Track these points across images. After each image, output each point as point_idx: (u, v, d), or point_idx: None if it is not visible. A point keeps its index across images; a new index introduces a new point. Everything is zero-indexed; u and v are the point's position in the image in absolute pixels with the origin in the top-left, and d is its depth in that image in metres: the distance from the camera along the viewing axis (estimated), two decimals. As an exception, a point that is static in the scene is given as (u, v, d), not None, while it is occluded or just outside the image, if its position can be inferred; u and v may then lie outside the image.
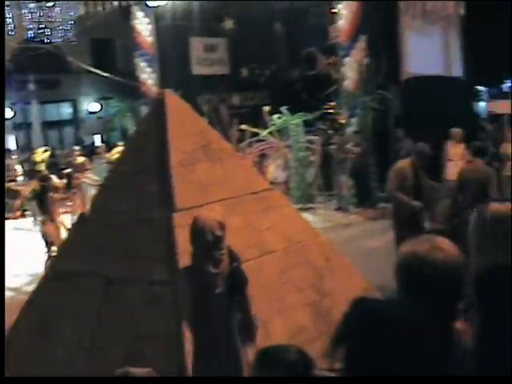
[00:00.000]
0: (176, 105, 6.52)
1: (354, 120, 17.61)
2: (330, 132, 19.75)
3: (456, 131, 15.20)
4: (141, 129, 6.65)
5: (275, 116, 16.95)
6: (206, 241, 4.61)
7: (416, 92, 18.64)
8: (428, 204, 9.01)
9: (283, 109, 16.94)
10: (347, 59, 17.71)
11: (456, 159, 14.48)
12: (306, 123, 17.90)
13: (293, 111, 17.07)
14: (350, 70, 17.67)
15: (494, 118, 20.89)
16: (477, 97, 34.27)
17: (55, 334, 5.76)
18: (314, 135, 18.50)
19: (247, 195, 6.43)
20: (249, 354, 4.53)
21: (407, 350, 1.78)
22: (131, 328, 5.47)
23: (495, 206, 3.18)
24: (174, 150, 6.15)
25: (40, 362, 5.71)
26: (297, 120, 16.87)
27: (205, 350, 4.66)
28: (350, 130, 17.55)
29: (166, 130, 6.24)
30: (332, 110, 21.04)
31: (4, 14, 16.14)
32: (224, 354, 4.65)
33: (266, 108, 17.69)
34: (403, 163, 9.08)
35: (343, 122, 18.67)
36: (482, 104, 32.78)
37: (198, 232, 4.66)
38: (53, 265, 6.59)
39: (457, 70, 21.85)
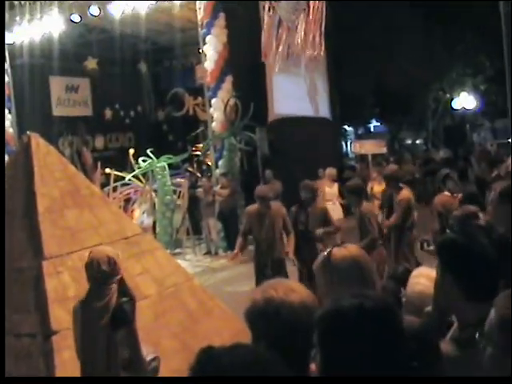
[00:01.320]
0: (42, 149, 6.54)
1: (221, 162, 18.00)
2: (197, 174, 20.06)
3: (330, 171, 15.92)
4: (5, 173, 6.62)
5: (140, 159, 16.99)
6: (93, 275, 5.05)
7: (283, 133, 19.34)
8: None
9: (149, 151, 17.03)
10: (214, 100, 18.09)
11: (334, 199, 15.35)
12: (173, 166, 18.17)
13: (159, 153, 17.25)
14: (216, 111, 18.05)
15: (362, 157, 21.90)
16: (344, 137, 35.84)
17: None
18: (181, 178, 18.74)
19: (119, 240, 6.57)
20: None
21: None
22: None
23: (336, 250, 3.19)
24: (41, 196, 6.16)
25: None
26: (162, 163, 17.06)
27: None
28: (217, 171, 17.95)
29: (32, 175, 6.23)
30: (199, 152, 21.41)
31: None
32: None
33: (131, 151, 17.68)
34: (250, 207, 10.09)
35: (210, 163, 19.10)
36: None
37: (87, 266, 5.09)
38: None
39: (323, 111, 22.76)
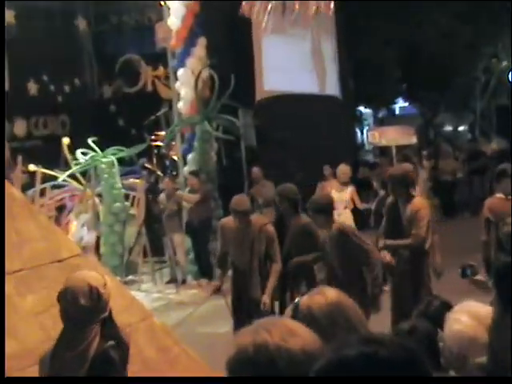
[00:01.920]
0: None
1: (191, 156, 18.00)
2: (159, 173, 20.16)
3: (341, 168, 16.00)
4: None
5: (79, 151, 16.88)
6: (67, 311, 5.03)
7: (276, 116, 19.52)
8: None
9: (91, 140, 16.99)
10: (181, 71, 18.17)
11: (341, 207, 15.07)
12: (125, 161, 18.23)
13: (104, 144, 17.27)
14: (185, 87, 18.11)
15: (384, 149, 21.86)
16: (360, 122, 35.85)
17: None
18: (137, 178, 18.78)
19: (49, 264, 6.55)
20: None
21: None
22: None
23: (306, 300, 3.20)
24: None
25: None
26: (110, 157, 17.06)
27: None
28: (185, 169, 17.94)
29: None
30: (161, 143, 21.25)
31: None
32: None
33: (66, 140, 17.63)
34: (225, 220, 10.39)
35: (176, 158, 19.10)
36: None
37: (60, 299, 5.05)
38: None
39: (331, 87, 22.80)
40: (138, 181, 18.41)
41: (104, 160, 16.94)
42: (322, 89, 22.40)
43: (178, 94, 18.34)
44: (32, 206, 8.53)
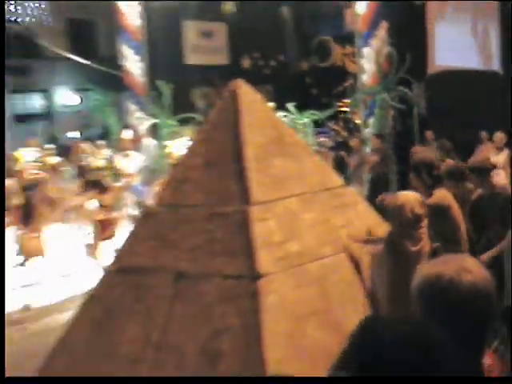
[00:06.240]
0: (249, 96, 7.34)
1: (371, 120, 18.77)
2: (344, 134, 21.00)
3: (499, 135, 16.09)
4: (212, 120, 7.43)
5: (280, 114, 16.97)
6: (406, 218, 6.03)
7: (444, 88, 19.97)
8: None
9: (290, 106, 18.08)
10: (365, 50, 19.14)
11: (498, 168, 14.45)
12: (317, 123, 19.15)
13: (301, 109, 18.24)
14: (368, 62, 19.05)
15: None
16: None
17: (120, 332, 6.46)
18: (326, 137, 19.56)
19: (322, 191, 7.27)
20: None
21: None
22: (205, 323, 6.07)
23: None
24: (248, 143, 6.89)
25: (101, 359, 6.40)
26: (305, 119, 18.06)
27: None
28: (366, 131, 18.69)
29: (238, 122, 6.98)
30: (346, 109, 22.31)
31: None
32: None
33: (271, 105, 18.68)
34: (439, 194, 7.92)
35: (359, 121, 19.96)
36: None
37: (397, 209, 6.10)
38: (117, 260, 7.10)
39: (494, 63, 22.86)
40: (326, 140, 19.18)
41: (300, 121, 17.88)
42: (486, 65, 22.56)
43: (362, 68, 19.20)
44: (309, 148, 8.89)
